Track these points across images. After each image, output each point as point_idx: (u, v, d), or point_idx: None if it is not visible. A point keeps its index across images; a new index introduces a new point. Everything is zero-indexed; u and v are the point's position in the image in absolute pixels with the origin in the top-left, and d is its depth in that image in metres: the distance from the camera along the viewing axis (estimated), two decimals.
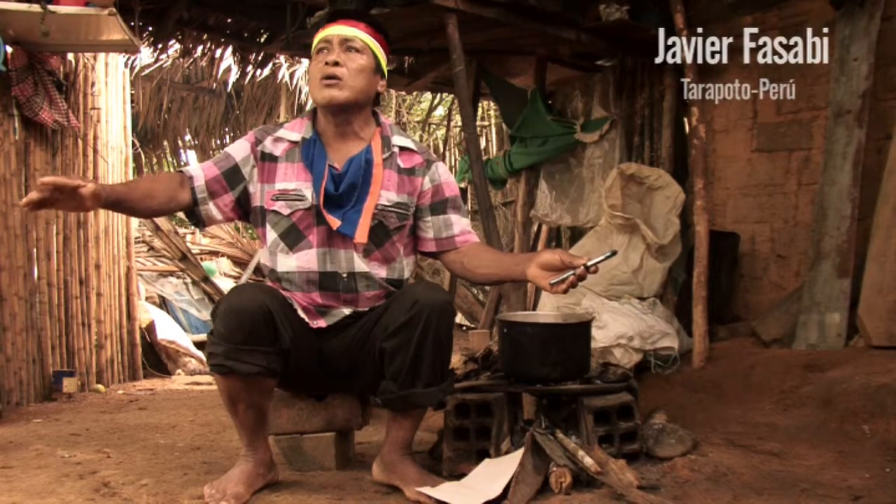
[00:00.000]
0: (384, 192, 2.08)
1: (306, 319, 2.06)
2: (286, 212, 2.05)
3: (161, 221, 7.14)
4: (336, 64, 2.03)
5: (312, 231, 2.06)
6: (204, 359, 5.87)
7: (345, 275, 2.06)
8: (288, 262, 2.07)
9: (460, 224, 2.18)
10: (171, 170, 10.28)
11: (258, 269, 7.68)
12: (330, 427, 2.30)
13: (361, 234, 2.04)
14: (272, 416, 2.20)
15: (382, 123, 2.18)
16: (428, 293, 1.98)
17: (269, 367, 1.93)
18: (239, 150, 2.11)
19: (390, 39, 2.18)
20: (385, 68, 2.16)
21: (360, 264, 2.07)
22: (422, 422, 2.20)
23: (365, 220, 2.04)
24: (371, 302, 2.10)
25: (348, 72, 2.04)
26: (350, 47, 2.05)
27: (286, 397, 2.27)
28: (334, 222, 2.03)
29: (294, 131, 2.13)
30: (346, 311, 2.09)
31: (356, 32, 2.07)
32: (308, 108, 2.35)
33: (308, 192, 2.05)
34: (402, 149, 2.17)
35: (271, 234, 2.08)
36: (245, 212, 2.14)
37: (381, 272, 2.10)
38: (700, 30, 3.66)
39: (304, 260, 2.06)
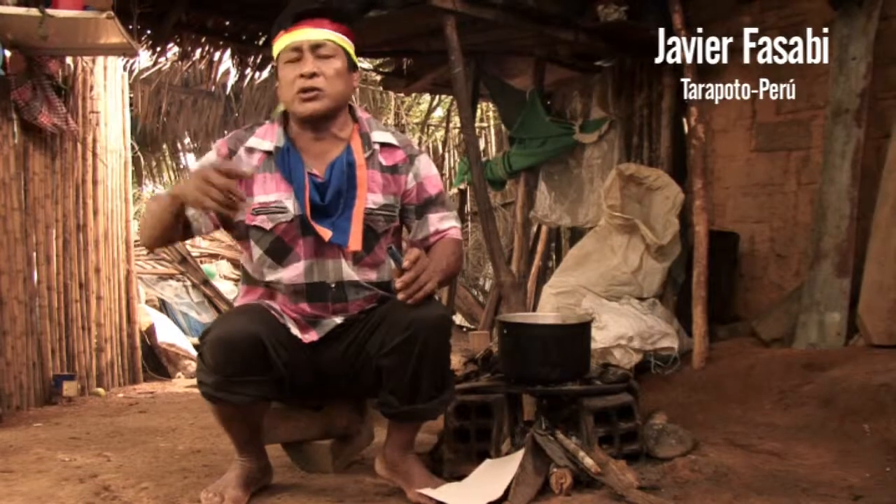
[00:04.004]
0: (370, 195, 2.02)
1: (299, 336, 2.00)
2: (269, 226, 1.98)
3: None
4: (313, 75, 1.96)
5: (298, 243, 2.00)
6: None
7: (333, 284, 2.01)
8: (276, 275, 2.01)
9: (434, 223, 2.10)
10: (171, 173, 10.31)
11: None
12: (329, 435, 2.28)
13: (355, 242, 1.98)
14: (269, 428, 2.17)
15: (359, 119, 2.10)
16: (423, 310, 1.88)
17: (261, 395, 1.91)
18: (207, 161, 2.02)
19: (353, 25, 2.09)
20: (356, 61, 2.09)
21: (349, 272, 2.01)
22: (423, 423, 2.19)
23: (356, 227, 1.98)
24: (362, 306, 2.05)
25: (326, 80, 1.97)
26: (322, 54, 1.98)
27: (283, 410, 2.22)
28: (325, 233, 1.96)
29: (266, 139, 2.05)
30: (338, 320, 2.03)
31: (326, 35, 1.99)
32: (275, 112, 2.23)
33: (290, 204, 1.98)
34: (383, 145, 2.09)
35: (256, 251, 2.02)
36: (225, 222, 2.02)
37: (370, 276, 2.05)
38: (700, 30, 3.66)
39: (291, 273, 2.00)
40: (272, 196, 1.99)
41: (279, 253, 2.01)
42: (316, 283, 2.00)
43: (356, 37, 2.11)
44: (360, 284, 2.03)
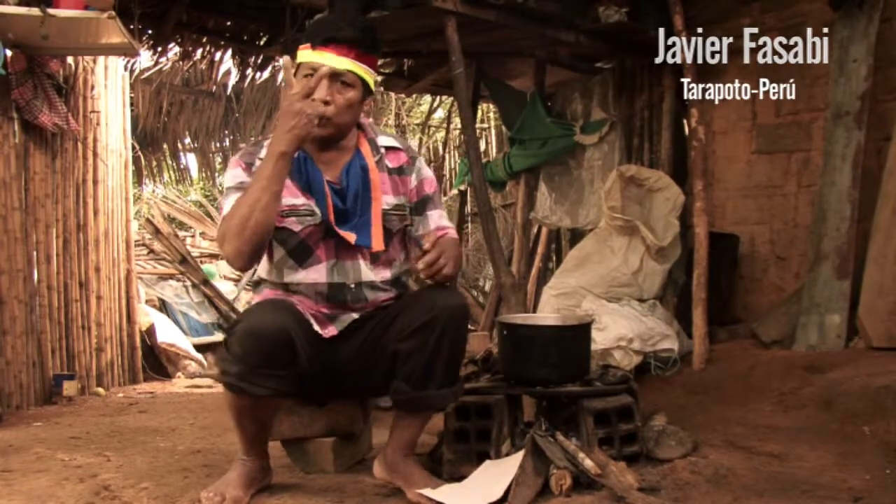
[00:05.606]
0: (383, 197, 2.08)
1: (319, 331, 2.04)
2: (297, 228, 2.03)
3: (161, 224, 7.14)
4: (325, 103, 1.96)
5: (321, 246, 2.06)
6: (204, 361, 5.88)
7: (352, 285, 2.07)
8: (296, 276, 2.07)
9: (436, 220, 2.15)
10: (171, 173, 10.31)
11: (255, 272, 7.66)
12: (332, 433, 2.28)
13: (378, 243, 2.05)
14: (273, 424, 2.18)
15: (363, 125, 2.15)
16: (445, 297, 1.97)
17: (282, 390, 1.93)
18: (239, 175, 2.03)
19: (380, 51, 2.11)
20: (373, 87, 2.11)
21: (368, 273, 2.08)
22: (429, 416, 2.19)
23: (377, 228, 2.05)
24: (379, 304, 2.11)
25: (336, 109, 1.98)
26: (341, 81, 1.99)
27: (287, 404, 2.22)
28: (350, 237, 2.02)
29: None
30: (355, 315, 2.09)
31: (348, 65, 1.98)
32: None
33: (317, 208, 2.03)
34: (388, 148, 2.16)
35: (279, 251, 2.07)
36: None
37: (385, 274, 2.12)
38: (700, 30, 3.66)
39: (313, 274, 2.05)
40: (300, 199, 2.03)
41: (302, 254, 2.06)
42: (337, 283, 2.06)
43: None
44: (377, 284, 2.10)
